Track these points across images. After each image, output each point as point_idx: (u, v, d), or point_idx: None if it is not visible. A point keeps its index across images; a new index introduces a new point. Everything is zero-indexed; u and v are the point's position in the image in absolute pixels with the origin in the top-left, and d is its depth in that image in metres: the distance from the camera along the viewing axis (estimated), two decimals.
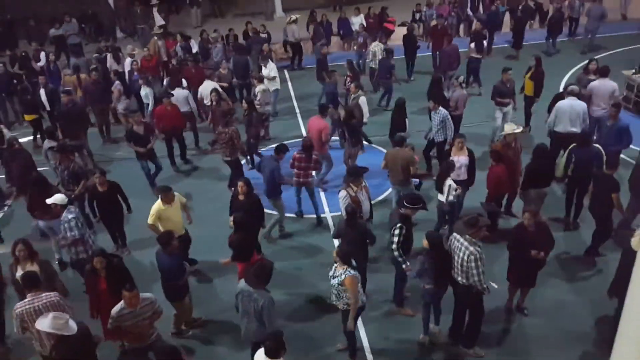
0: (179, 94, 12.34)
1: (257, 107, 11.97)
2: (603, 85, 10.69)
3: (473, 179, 8.95)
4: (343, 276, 6.22)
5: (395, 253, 7.03)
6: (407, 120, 10.92)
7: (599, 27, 16.92)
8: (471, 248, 6.30)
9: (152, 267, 8.37)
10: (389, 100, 13.79)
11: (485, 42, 14.72)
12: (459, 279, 6.55)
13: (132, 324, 6.04)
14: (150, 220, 7.84)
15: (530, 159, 8.67)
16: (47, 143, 10.56)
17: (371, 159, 11.38)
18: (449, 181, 8.30)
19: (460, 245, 6.41)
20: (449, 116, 10.26)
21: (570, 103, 9.89)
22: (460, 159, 8.72)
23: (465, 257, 6.31)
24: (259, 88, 12.40)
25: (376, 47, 14.91)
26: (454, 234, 6.61)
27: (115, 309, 6.00)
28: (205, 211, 9.96)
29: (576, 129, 9.76)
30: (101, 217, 9.00)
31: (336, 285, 6.33)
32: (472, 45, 14.40)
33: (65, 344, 5.62)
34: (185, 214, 8.47)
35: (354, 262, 6.48)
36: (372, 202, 9.89)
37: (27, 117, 13.16)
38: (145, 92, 13.26)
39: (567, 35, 18.15)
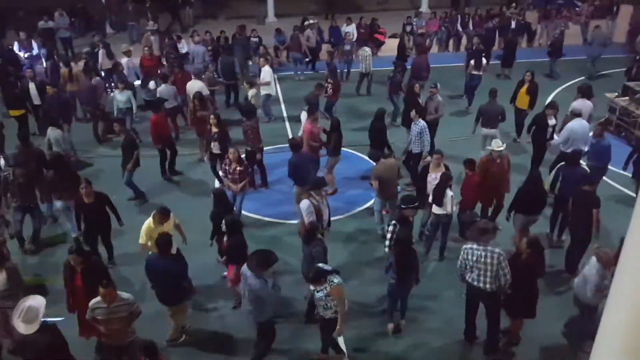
0: (166, 89, 12.36)
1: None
2: (585, 105, 11.02)
3: None
4: (329, 287, 6.25)
5: (386, 249, 7.36)
6: (386, 131, 10.84)
7: (602, 54, 17.16)
8: (497, 250, 6.54)
9: (142, 277, 8.16)
10: (395, 116, 13.60)
11: (483, 59, 14.75)
12: (487, 286, 6.63)
13: (105, 320, 6.05)
14: (141, 240, 7.59)
15: (524, 183, 8.76)
16: (51, 131, 10.56)
17: (352, 168, 11.55)
18: (450, 192, 8.43)
19: (485, 252, 6.55)
20: (427, 129, 10.40)
21: (580, 124, 10.16)
22: (437, 175, 8.85)
23: (495, 261, 6.50)
24: (250, 92, 12.41)
25: (362, 52, 15.31)
26: (472, 246, 6.68)
27: (92, 302, 6.07)
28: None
29: (586, 148, 10.07)
30: (85, 231, 8.46)
31: (323, 297, 6.32)
32: (472, 62, 14.39)
33: (31, 345, 5.59)
34: (180, 234, 8.06)
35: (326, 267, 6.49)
36: (351, 213, 10.20)
37: (13, 113, 12.66)
38: (126, 96, 12.44)
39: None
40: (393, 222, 7.50)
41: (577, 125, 10.12)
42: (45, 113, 11.82)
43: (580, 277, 6.97)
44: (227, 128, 11.15)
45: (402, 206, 7.55)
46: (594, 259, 6.75)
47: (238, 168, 9.14)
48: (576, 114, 10.32)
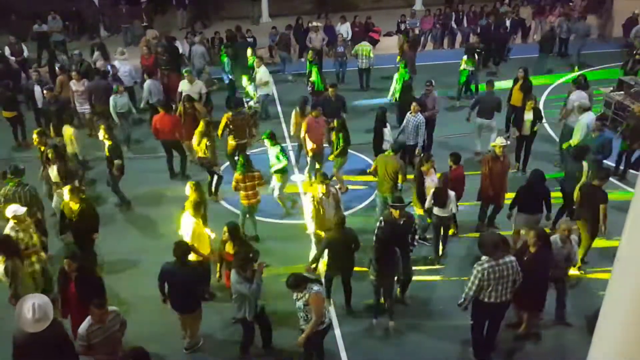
0: (152, 84, 12.47)
1: (250, 105, 12.31)
2: (581, 96, 11.10)
3: None
4: (307, 295, 6.14)
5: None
6: (385, 129, 10.78)
7: (585, 45, 17.34)
8: (512, 257, 6.42)
9: (128, 283, 8.40)
10: None
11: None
12: (509, 297, 6.49)
13: (104, 339, 5.86)
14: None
15: (526, 181, 8.71)
16: (66, 129, 10.58)
17: (352, 166, 11.52)
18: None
19: (505, 265, 6.31)
20: (424, 123, 10.59)
21: (591, 117, 10.28)
22: (433, 177, 8.88)
23: (516, 269, 6.37)
24: (250, 88, 12.45)
25: (360, 47, 15.43)
26: (490, 264, 6.29)
27: (82, 327, 5.77)
28: None
29: None
30: (73, 235, 8.39)
31: (302, 307, 6.23)
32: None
33: (38, 343, 5.54)
34: None
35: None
36: (352, 211, 10.13)
37: (6, 114, 12.67)
38: (126, 99, 12.36)
39: (558, 55, 18.29)
40: (381, 218, 7.67)
41: (589, 119, 10.25)
42: (53, 114, 11.69)
43: None
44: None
45: (390, 204, 7.66)
46: (556, 236, 7.08)
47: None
48: (585, 109, 10.40)
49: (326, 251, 7.53)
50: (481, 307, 6.58)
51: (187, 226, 7.64)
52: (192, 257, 7.44)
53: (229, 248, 7.34)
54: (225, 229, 7.35)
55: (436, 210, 8.49)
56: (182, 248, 6.75)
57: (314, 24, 17.44)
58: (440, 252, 8.91)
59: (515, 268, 6.40)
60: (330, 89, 12.11)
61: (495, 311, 6.66)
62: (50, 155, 9.22)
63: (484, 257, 6.41)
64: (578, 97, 11.10)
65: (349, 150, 10.71)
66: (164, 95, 13.01)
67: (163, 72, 14.12)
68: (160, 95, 12.77)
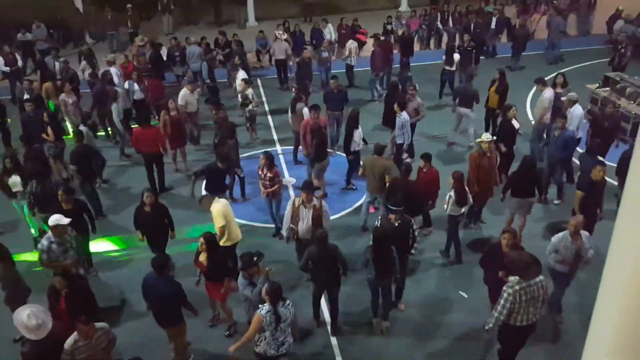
0: (123, 90, 12.52)
1: (252, 108, 12.50)
2: (549, 93, 11.19)
3: None
4: (252, 310, 6.16)
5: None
6: (357, 131, 10.60)
7: (561, 39, 17.59)
8: (542, 277, 6.14)
9: (120, 288, 8.39)
10: None
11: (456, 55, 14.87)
12: (538, 317, 6.23)
13: (88, 356, 5.76)
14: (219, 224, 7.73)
15: (518, 167, 8.87)
16: (82, 127, 10.73)
17: (339, 170, 11.48)
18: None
19: (536, 286, 6.01)
20: (408, 122, 10.62)
21: (579, 109, 10.53)
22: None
23: (545, 290, 6.14)
24: (249, 91, 12.48)
25: (352, 45, 15.83)
26: (521, 285, 5.95)
27: (68, 342, 5.69)
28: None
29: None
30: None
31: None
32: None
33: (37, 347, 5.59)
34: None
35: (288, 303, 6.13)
36: (339, 215, 10.12)
37: None
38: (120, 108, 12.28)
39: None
40: (380, 217, 7.75)
41: (580, 111, 10.49)
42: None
43: (550, 248, 7.23)
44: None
45: (387, 207, 7.68)
46: (566, 232, 7.08)
47: (268, 174, 9.02)
48: (574, 101, 10.56)
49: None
50: (511, 331, 6.22)
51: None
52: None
53: (203, 258, 7.13)
54: (201, 239, 7.06)
55: (454, 209, 8.43)
56: (160, 260, 6.61)
57: (277, 32, 17.04)
58: (459, 255, 8.85)
59: (544, 287, 6.10)
60: (331, 82, 12.25)
61: (524, 334, 6.31)
62: (7, 166, 9.22)
63: (512, 278, 6.06)
64: (550, 95, 11.14)
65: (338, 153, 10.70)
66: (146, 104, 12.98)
67: (143, 76, 13.87)
68: (129, 102, 12.69)
